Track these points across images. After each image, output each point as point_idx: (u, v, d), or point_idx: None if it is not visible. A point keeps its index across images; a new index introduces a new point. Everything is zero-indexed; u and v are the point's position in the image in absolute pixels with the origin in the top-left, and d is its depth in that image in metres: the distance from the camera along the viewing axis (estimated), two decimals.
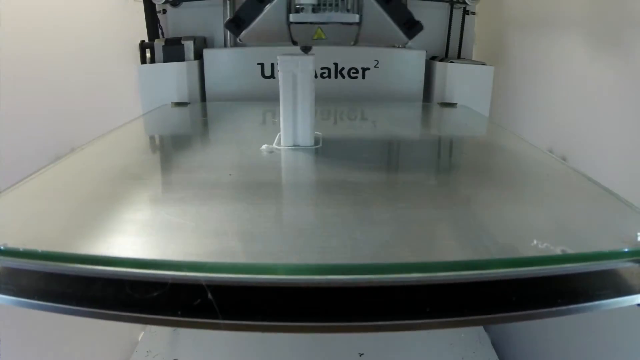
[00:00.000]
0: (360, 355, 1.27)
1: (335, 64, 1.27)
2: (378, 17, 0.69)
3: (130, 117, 1.04)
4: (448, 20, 1.36)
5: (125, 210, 0.53)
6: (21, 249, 0.41)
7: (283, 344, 1.31)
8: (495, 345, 1.32)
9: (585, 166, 0.92)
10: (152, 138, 0.96)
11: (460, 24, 1.35)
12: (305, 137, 0.77)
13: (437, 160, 0.82)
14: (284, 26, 0.69)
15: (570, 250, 0.41)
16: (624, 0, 0.84)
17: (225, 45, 1.34)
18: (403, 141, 0.93)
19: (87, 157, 0.73)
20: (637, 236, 0.43)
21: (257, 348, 1.30)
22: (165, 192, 0.62)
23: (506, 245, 0.45)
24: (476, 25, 1.39)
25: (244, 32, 0.70)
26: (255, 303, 0.40)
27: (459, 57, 1.37)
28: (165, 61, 1.23)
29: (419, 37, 1.36)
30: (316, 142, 0.79)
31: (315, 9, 0.69)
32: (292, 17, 0.68)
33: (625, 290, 0.43)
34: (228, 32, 1.33)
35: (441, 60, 1.30)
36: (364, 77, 1.28)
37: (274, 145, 0.78)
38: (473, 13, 1.36)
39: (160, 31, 1.32)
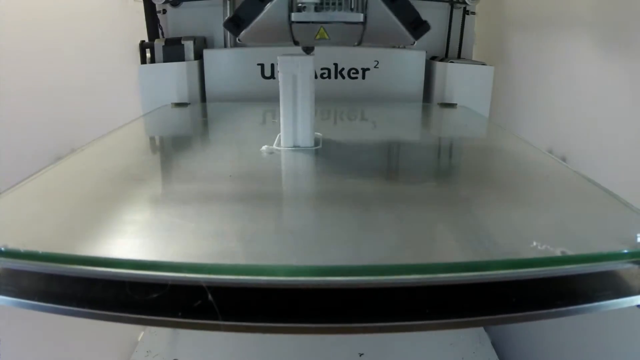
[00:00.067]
0: (360, 355, 1.27)
1: (335, 65, 1.27)
2: (383, 16, 0.66)
3: (130, 117, 1.04)
4: (448, 20, 1.36)
5: (125, 211, 0.53)
6: (22, 250, 0.41)
7: (283, 344, 1.31)
8: (495, 345, 1.32)
9: (585, 167, 0.92)
10: (152, 139, 0.97)
11: (460, 24, 1.35)
12: (305, 138, 0.77)
13: (437, 162, 0.82)
14: (286, 26, 0.66)
15: (570, 252, 0.41)
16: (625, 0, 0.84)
17: (225, 46, 1.34)
18: (403, 142, 0.93)
19: (88, 158, 0.73)
20: (636, 237, 0.43)
21: (257, 348, 1.30)
22: (165, 193, 0.62)
23: (506, 247, 0.45)
24: (476, 25, 1.39)
25: (243, 32, 0.67)
26: (255, 304, 0.40)
27: (459, 57, 1.37)
28: (165, 61, 1.22)
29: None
30: (316, 143, 0.79)
31: (318, 7, 0.66)
32: (294, 16, 0.66)
33: (625, 291, 0.43)
34: (228, 32, 1.33)
35: (441, 60, 1.30)
36: (363, 77, 1.28)
37: (274, 146, 0.78)
38: (473, 13, 1.36)
39: (160, 31, 1.32)
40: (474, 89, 1.24)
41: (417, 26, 0.67)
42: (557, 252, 0.41)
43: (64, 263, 0.40)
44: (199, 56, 1.26)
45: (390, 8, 0.66)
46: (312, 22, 0.66)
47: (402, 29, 0.67)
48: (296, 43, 0.69)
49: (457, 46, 1.37)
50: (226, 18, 0.66)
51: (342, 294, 0.41)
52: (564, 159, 0.99)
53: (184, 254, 0.43)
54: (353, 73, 1.28)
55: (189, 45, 1.24)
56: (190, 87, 1.23)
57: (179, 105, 1.19)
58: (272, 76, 1.26)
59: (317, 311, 0.40)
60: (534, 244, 0.42)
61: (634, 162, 0.81)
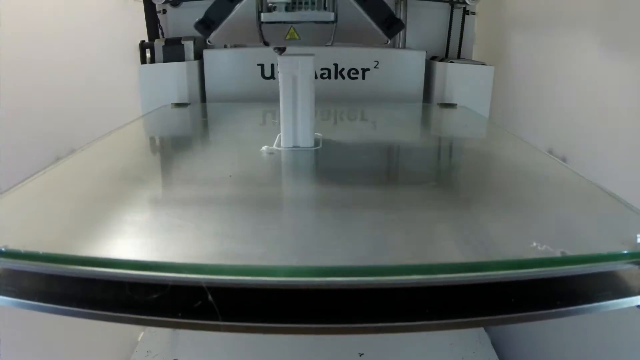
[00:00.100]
0: (360, 355, 1.27)
1: (335, 65, 1.27)
2: (354, 15, 0.65)
3: (130, 117, 1.04)
4: (448, 20, 1.36)
5: (125, 211, 0.53)
6: (22, 251, 0.41)
7: (283, 343, 1.31)
8: (495, 345, 1.32)
9: (586, 167, 0.92)
10: (152, 139, 0.97)
11: (460, 24, 1.35)
12: (305, 139, 0.77)
13: (437, 162, 0.82)
14: (255, 26, 0.65)
15: (570, 252, 0.41)
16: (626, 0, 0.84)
17: (225, 46, 1.34)
18: (403, 143, 0.93)
19: (88, 159, 0.73)
20: (636, 238, 0.43)
21: (257, 348, 1.30)
22: (165, 194, 0.62)
23: (505, 247, 0.45)
24: (476, 25, 1.39)
25: (213, 34, 0.66)
26: (255, 305, 0.40)
27: (459, 57, 1.37)
28: (165, 61, 1.22)
29: (419, 37, 1.38)
30: (316, 143, 0.79)
31: (289, 7, 0.65)
32: (264, 17, 0.65)
33: (624, 291, 0.43)
34: None
35: (441, 60, 1.30)
36: (363, 77, 1.28)
37: (274, 147, 0.78)
38: (473, 13, 1.36)
39: (160, 31, 1.32)
40: (474, 89, 1.24)
41: (390, 25, 0.66)
42: (557, 253, 0.41)
43: (64, 264, 0.40)
44: (199, 56, 1.26)
45: (362, 7, 0.65)
46: (282, 22, 0.65)
47: (375, 27, 0.66)
48: (266, 44, 0.68)
49: (457, 46, 1.37)
50: (196, 20, 0.66)
51: (342, 295, 0.41)
52: (564, 160, 0.99)
53: (184, 254, 0.43)
54: (353, 73, 1.28)
55: (189, 45, 1.24)
56: (190, 87, 1.23)
57: (178, 105, 1.19)
58: (272, 76, 1.26)
59: (317, 311, 0.41)
60: (534, 244, 0.42)
61: (634, 162, 0.81)
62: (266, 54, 1.24)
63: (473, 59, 1.38)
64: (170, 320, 0.40)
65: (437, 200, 0.59)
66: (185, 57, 1.24)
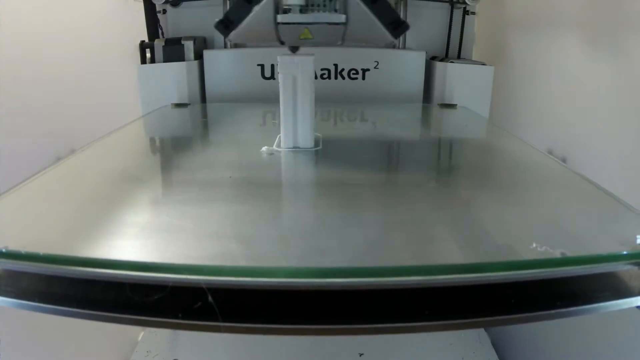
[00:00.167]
0: (360, 355, 1.27)
1: (335, 65, 1.27)
2: (364, 17, 0.69)
3: (131, 117, 1.04)
4: (448, 20, 1.36)
5: (125, 212, 0.53)
6: (22, 252, 0.41)
7: (283, 343, 1.31)
8: (495, 345, 1.32)
9: (585, 167, 0.92)
10: (152, 140, 0.97)
11: (460, 24, 1.35)
12: (306, 139, 0.77)
13: (437, 163, 0.82)
14: (272, 27, 0.69)
15: (569, 253, 0.41)
16: (624, 0, 0.84)
17: (225, 46, 1.34)
18: (403, 144, 0.93)
19: (88, 159, 0.73)
20: (636, 238, 0.43)
21: (257, 348, 1.30)
22: (165, 194, 0.62)
23: (505, 248, 0.45)
24: (476, 25, 1.39)
25: (232, 33, 0.70)
26: (255, 306, 0.40)
27: (459, 57, 1.37)
28: (165, 61, 1.22)
29: (419, 37, 1.38)
30: (316, 143, 0.79)
31: (303, 9, 0.69)
32: (280, 18, 0.69)
33: (624, 292, 0.43)
34: None
35: (441, 60, 1.30)
36: (363, 78, 1.28)
37: (274, 147, 0.78)
38: (473, 13, 1.36)
39: (160, 31, 1.32)
40: (474, 89, 1.24)
41: (396, 26, 0.70)
42: (557, 254, 0.41)
43: (65, 264, 0.40)
44: (199, 56, 1.26)
45: (371, 9, 0.69)
46: (297, 24, 0.69)
47: (382, 29, 0.69)
48: (282, 43, 0.72)
49: (457, 46, 1.37)
50: (216, 20, 0.70)
51: (342, 296, 0.41)
52: (563, 160, 0.99)
53: (184, 255, 0.43)
54: (353, 73, 1.28)
55: (189, 45, 1.24)
56: (190, 88, 1.23)
57: (178, 105, 1.19)
58: (272, 77, 1.26)
59: (317, 312, 0.41)
60: (534, 245, 0.42)
61: (634, 162, 0.81)
62: (266, 55, 1.24)
63: (473, 59, 1.38)
64: (170, 321, 0.40)
65: (436, 201, 0.59)
66: (185, 57, 1.24)
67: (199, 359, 1.29)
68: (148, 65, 1.24)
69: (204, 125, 1.08)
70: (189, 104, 1.21)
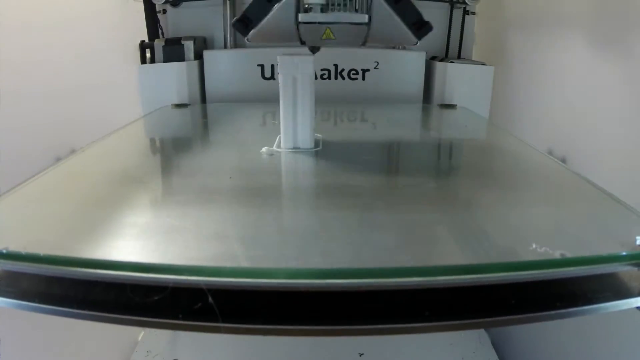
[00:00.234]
0: (360, 355, 1.27)
1: (335, 66, 1.27)
2: (387, 17, 0.68)
3: (131, 117, 1.04)
4: (448, 20, 1.36)
5: (126, 213, 0.53)
6: (23, 253, 0.41)
7: (283, 343, 1.31)
8: (495, 345, 1.33)
9: (585, 167, 0.92)
10: (152, 140, 0.97)
11: (460, 24, 1.35)
12: (306, 140, 0.77)
13: (437, 163, 0.82)
14: (293, 26, 0.68)
15: (569, 254, 0.41)
16: (624, 0, 0.84)
17: (225, 46, 1.34)
18: (403, 144, 0.93)
19: (88, 160, 0.73)
20: (636, 239, 0.43)
21: (257, 347, 1.30)
22: (165, 195, 0.62)
23: (505, 249, 0.45)
24: (476, 25, 1.39)
25: (252, 32, 0.68)
26: (255, 306, 0.41)
27: (459, 57, 1.37)
28: (165, 61, 1.23)
29: None
30: (316, 144, 0.79)
31: (324, 8, 0.68)
32: (301, 17, 0.67)
33: (624, 293, 0.43)
34: (228, 33, 1.33)
35: (441, 60, 1.30)
36: (363, 78, 1.28)
37: (274, 148, 0.78)
38: (473, 13, 1.36)
39: (160, 31, 1.32)
40: (474, 89, 1.24)
41: (420, 27, 0.69)
42: (556, 255, 0.41)
43: (65, 265, 0.40)
44: (199, 56, 1.26)
45: (394, 9, 0.67)
46: (319, 23, 0.67)
47: (405, 29, 0.68)
48: (303, 43, 0.71)
49: (457, 46, 1.37)
50: (235, 18, 0.68)
51: (342, 296, 0.41)
52: (563, 160, 0.99)
53: (185, 256, 0.43)
54: (353, 74, 1.28)
55: (189, 45, 1.24)
56: (190, 88, 1.23)
57: (179, 106, 1.19)
58: (272, 77, 1.26)
59: (317, 313, 0.41)
60: (533, 246, 0.42)
61: (634, 163, 0.81)
62: (266, 55, 1.24)
63: (473, 59, 1.38)
64: (170, 322, 0.40)
65: (436, 202, 0.59)
66: (185, 57, 1.24)
67: (199, 359, 1.29)
68: (148, 65, 1.24)
69: (204, 125, 1.08)
70: (189, 104, 1.21)
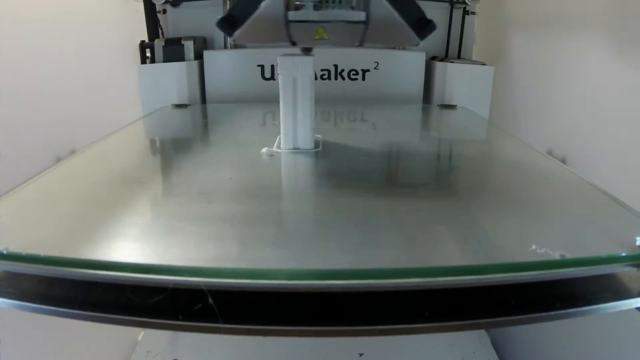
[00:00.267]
0: (360, 355, 1.28)
1: (335, 66, 1.27)
2: (387, 15, 0.61)
3: (131, 117, 1.04)
4: (448, 20, 1.36)
5: (126, 214, 0.53)
6: (23, 254, 0.41)
7: (283, 343, 1.31)
8: (495, 345, 1.33)
9: (585, 167, 0.92)
10: (152, 141, 0.97)
11: (460, 24, 1.35)
12: (306, 140, 0.77)
13: (437, 164, 0.82)
14: (282, 25, 0.62)
15: (569, 255, 0.41)
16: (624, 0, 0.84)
17: (225, 46, 1.34)
18: (403, 145, 0.93)
19: (88, 160, 0.73)
20: (636, 240, 0.43)
21: (257, 347, 1.30)
22: (165, 196, 0.63)
23: (505, 250, 0.45)
24: (476, 25, 1.39)
25: (237, 32, 0.62)
26: (255, 307, 0.41)
27: (459, 57, 1.37)
28: (165, 61, 1.23)
29: None
30: (316, 145, 0.79)
31: (317, 6, 0.62)
32: (291, 15, 0.61)
33: (624, 293, 0.43)
34: None
35: (441, 60, 1.30)
36: (363, 78, 1.28)
37: (274, 148, 0.78)
38: (473, 13, 1.36)
39: (160, 31, 1.32)
40: (474, 89, 1.24)
41: (423, 26, 0.63)
42: (556, 256, 0.41)
43: (66, 266, 0.41)
44: (199, 56, 1.26)
45: (394, 6, 0.61)
46: (311, 22, 0.62)
47: (407, 28, 0.62)
48: (293, 44, 0.65)
49: (457, 46, 1.37)
50: (219, 17, 0.62)
51: (342, 297, 0.41)
52: (563, 161, 0.99)
53: (185, 257, 0.43)
54: (353, 74, 1.28)
55: (189, 45, 1.24)
56: (190, 88, 1.23)
57: (179, 106, 1.19)
58: (272, 77, 1.26)
59: (317, 314, 0.41)
60: (533, 247, 0.42)
61: (634, 163, 0.81)
62: (266, 55, 1.24)
63: (473, 59, 1.38)
64: (171, 322, 0.40)
65: (436, 203, 0.59)
66: (185, 57, 1.24)
67: (199, 359, 1.29)
68: (148, 65, 1.24)
69: (204, 126, 1.08)
70: (189, 105, 1.21)
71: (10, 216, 0.51)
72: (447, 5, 1.35)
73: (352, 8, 0.62)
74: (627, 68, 0.84)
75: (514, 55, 1.30)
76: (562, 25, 1.06)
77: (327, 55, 1.26)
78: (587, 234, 0.49)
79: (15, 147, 0.88)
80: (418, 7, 0.63)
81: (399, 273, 0.40)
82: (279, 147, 0.78)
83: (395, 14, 0.61)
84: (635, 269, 0.42)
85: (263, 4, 0.61)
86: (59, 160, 0.71)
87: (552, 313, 0.41)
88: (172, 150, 0.90)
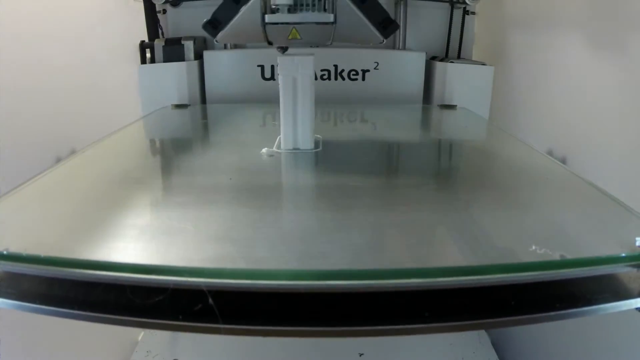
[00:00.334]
0: (360, 355, 1.27)
1: (335, 66, 1.27)
2: (353, 17, 0.69)
3: (131, 118, 1.04)
4: (448, 20, 1.36)
5: (126, 214, 0.53)
6: (24, 254, 0.41)
7: (284, 343, 1.31)
8: (495, 345, 1.33)
9: (585, 167, 0.92)
10: (152, 141, 0.97)
11: (460, 24, 1.35)
12: (305, 141, 0.77)
13: (437, 164, 0.82)
14: (259, 27, 0.69)
15: (569, 256, 0.41)
16: (624, 0, 0.84)
17: (225, 46, 1.34)
18: (403, 145, 0.93)
19: (88, 161, 0.73)
20: (636, 241, 0.43)
21: (257, 348, 1.30)
22: (166, 196, 0.63)
23: (505, 250, 0.45)
24: (476, 25, 1.39)
25: (220, 33, 0.71)
26: (256, 308, 0.41)
27: (459, 57, 1.37)
28: (165, 61, 1.23)
29: (419, 38, 1.37)
30: (316, 145, 0.79)
31: (291, 9, 0.69)
32: (268, 18, 0.68)
33: (624, 294, 0.43)
34: None
35: (441, 60, 1.30)
36: (363, 79, 1.28)
37: (274, 149, 0.78)
38: (473, 13, 1.36)
39: (160, 31, 1.32)
40: (474, 89, 1.24)
41: (386, 25, 0.70)
42: (556, 256, 0.41)
43: (66, 267, 0.41)
44: (199, 56, 1.26)
45: (360, 9, 0.69)
46: (285, 23, 0.69)
47: (372, 28, 0.70)
48: (270, 43, 0.72)
49: (457, 46, 1.37)
50: (205, 20, 0.70)
51: (342, 298, 0.41)
52: (563, 161, 0.99)
53: (185, 257, 0.43)
54: (353, 74, 1.28)
55: (189, 45, 1.24)
56: (190, 88, 1.23)
57: (179, 106, 1.19)
58: (272, 78, 1.26)
59: (317, 314, 0.41)
60: (533, 247, 0.42)
61: (634, 164, 0.81)
62: (266, 55, 1.24)
63: (473, 59, 1.38)
64: (171, 323, 0.40)
65: (436, 203, 0.59)
66: (185, 57, 1.24)
67: (199, 359, 1.29)
68: (148, 65, 1.24)
69: (204, 126, 1.08)
70: (189, 105, 1.21)
71: (10, 217, 0.51)
72: (447, 5, 1.35)
73: (325, 10, 0.70)
74: (627, 68, 0.84)
75: (514, 55, 1.30)
76: (562, 25, 1.06)
77: (327, 56, 1.26)
78: (587, 234, 0.49)
79: (15, 147, 0.88)
80: (382, 8, 0.71)
81: (399, 273, 0.40)
82: (279, 147, 0.78)
83: (360, 16, 0.69)
84: (635, 270, 0.42)
85: (243, 9, 0.69)
86: (59, 160, 0.71)
87: (552, 313, 0.41)
88: (172, 150, 0.90)
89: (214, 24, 0.70)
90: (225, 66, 1.28)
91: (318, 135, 0.83)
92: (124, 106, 1.28)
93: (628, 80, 0.83)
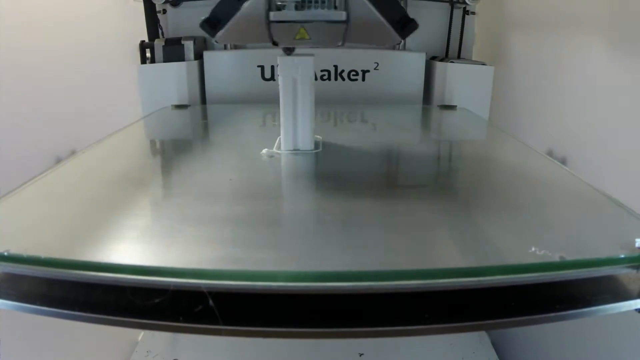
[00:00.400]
0: (360, 355, 1.28)
1: (335, 67, 1.27)
2: (368, 14, 0.62)
3: (131, 118, 1.04)
4: (448, 20, 1.36)
5: (126, 215, 0.53)
6: (24, 255, 0.41)
7: (284, 343, 1.31)
8: (495, 345, 1.33)
9: (586, 167, 0.92)
10: (152, 142, 0.97)
11: (460, 24, 1.35)
12: (306, 141, 0.77)
13: (437, 164, 0.82)
14: (264, 25, 0.62)
15: (568, 257, 0.41)
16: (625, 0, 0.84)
17: (225, 47, 1.33)
18: (403, 145, 0.93)
19: (88, 161, 0.73)
20: (635, 242, 0.43)
21: (257, 348, 1.30)
22: (166, 197, 0.63)
23: (505, 252, 0.45)
24: (476, 25, 1.39)
25: (219, 33, 0.63)
26: (256, 309, 0.41)
27: (459, 57, 1.37)
28: (165, 61, 1.22)
29: (419, 38, 1.38)
30: (316, 146, 0.79)
31: (299, 6, 0.61)
32: (273, 16, 0.61)
33: (624, 295, 0.43)
34: None
35: (441, 60, 1.30)
36: (363, 79, 1.28)
37: (274, 149, 0.78)
38: (473, 13, 1.36)
39: (160, 31, 1.32)
40: (474, 89, 1.24)
41: (404, 25, 0.63)
42: (556, 258, 0.41)
43: (66, 268, 0.41)
44: (199, 56, 1.26)
45: (375, 5, 0.62)
46: (292, 22, 0.62)
47: (389, 27, 0.63)
48: (275, 44, 0.65)
49: (457, 46, 1.37)
50: (202, 18, 0.63)
51: (342, 299, 0.41)
52: (563, 161, 0.99)
53: (185, 259, 0.43)
54: (353, 75, 1.27)
55: (189, 46, 1.24)
56: (190, 88, 1.23)
57: (178, 107, 1.19)
58: (272, 78, 1.26)
59: (317, 315, 0.41)
60: (533, 249, 0.42)
61: (634, 164, 0.81)
62: (266, 56, 1.24)
63: (473, 59, 1.38)
64: (171, 324, 0.40)
65: (436, 204, 0.59)
66: (185, 57, 1.24)
67: (199, 359, 1.29)
68: (148, 65, 1.24)
69: (204, 127, 1.08)
70: (189, 105, 1.21)
71: (10, 218, 0.51)
72: (447, 5, 1.35)
73: (335, 7, 0.62)
74: (627, 68, 0.84)
75: (514, 55, 1.30)
76: (562, 25, 1.06)
77: (327, 56, 1.26)
78: (586, 235, 0.49)
79: (16, 147, 0.88)
80: (400, 5, 0.64)
81: (398, 275, 0.40)
82: (279, 148, 0.78)
83: (376, 13, 0.61)
84: (634, 271, 0.42)
85: (245, 5, 0.61)
86: (59, 160, 0.71)
87: (552, 314, 0.41)
88: (172, 151, 0.90)
89: (213, 23, 0.63)
90: (226, 66, 1.28)
91: (318, 136, 0.83)
92: (124, 106, 1.28)
93: (629, 79, 0.83)
